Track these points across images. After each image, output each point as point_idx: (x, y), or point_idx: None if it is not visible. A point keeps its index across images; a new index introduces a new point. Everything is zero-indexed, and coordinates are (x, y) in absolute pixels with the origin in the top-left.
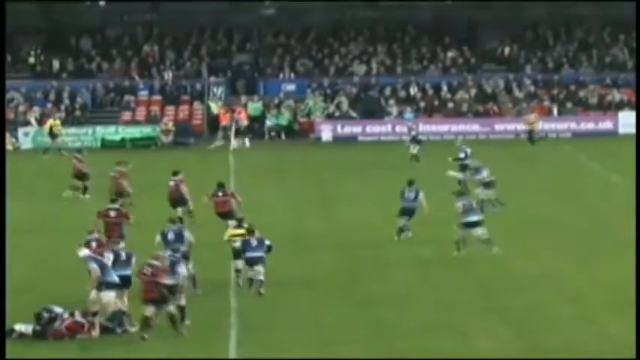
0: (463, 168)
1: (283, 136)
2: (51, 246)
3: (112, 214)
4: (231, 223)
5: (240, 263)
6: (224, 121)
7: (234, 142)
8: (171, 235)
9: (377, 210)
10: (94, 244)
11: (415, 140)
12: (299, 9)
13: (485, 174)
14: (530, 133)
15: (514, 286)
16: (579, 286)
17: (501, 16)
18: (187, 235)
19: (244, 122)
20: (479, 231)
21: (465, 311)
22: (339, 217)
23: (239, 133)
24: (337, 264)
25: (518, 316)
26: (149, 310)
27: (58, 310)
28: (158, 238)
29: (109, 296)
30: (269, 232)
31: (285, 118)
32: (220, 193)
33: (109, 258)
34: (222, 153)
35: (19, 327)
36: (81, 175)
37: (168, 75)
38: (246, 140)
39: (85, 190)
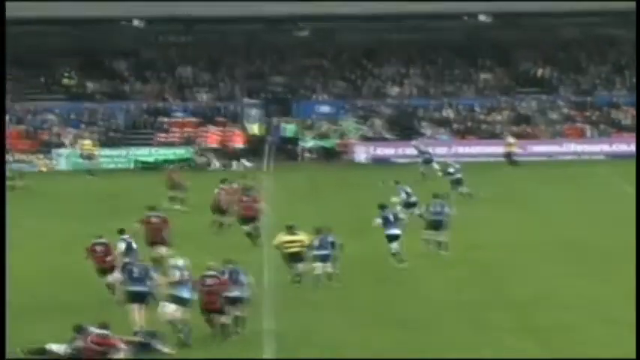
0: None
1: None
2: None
3: (154, 220)
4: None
5: (300, 266)
6: (212, 143)
7: (234, 164)
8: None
9: (412, 231)
10: (98, 248)
11: (426, 161)
12: (333, 30)
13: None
14: (509, 155)
15: (549, 307)
16: (614, 308)
17: (535, 37)
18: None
19: (239, 145)
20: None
21: (500, 332)
22: (374, 239)
23: (235, 155)
24: (372, 285)
25: (553, 337)
26: (221, 318)
27: (91, 329)
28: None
29: (169, 309)
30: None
31: (322, 140)
32: (246, 197)
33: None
34: (256, 174)
35: (53, 347)
36: (176, 186)
37: (203, 96)
38: (245, 161)
39: (181, 202)
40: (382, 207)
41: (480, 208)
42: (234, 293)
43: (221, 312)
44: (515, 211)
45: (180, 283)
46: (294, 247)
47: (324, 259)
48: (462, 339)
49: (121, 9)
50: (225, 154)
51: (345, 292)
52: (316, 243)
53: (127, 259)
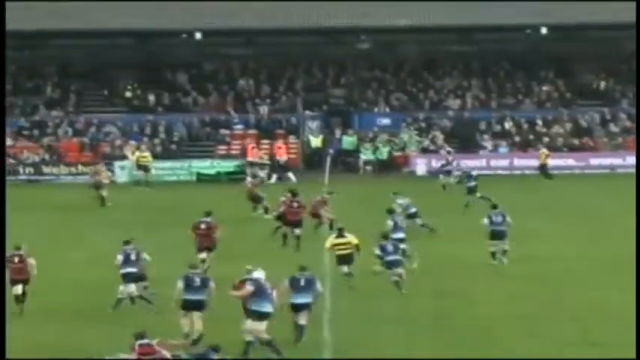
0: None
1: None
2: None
3: (202, 226)
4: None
5: (345, 268)
6: (251, 157)
7: (273, 177)
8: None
9: (469, 244)
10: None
11: (447, 172)
12: (394, 43)
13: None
14: (543, 167)
15: (608, 320)
16: None
17: (596, 49)
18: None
19: (283, 157)
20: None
21: (560, 345)
22: (431, 252)
23: (279, 167)
24: (428, 298)
25: (612, 351)
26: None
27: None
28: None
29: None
30: (362, 266)
31: (382, 152)
32: (295, 204)
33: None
34: (315, 187)
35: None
36: (255, 198)
37: (264, 109)
38: (290, 175)
39: (266, 210)
40: (390, 212)
41: (538, 220)
42: (304, 300)
43: None
44: (575, 224)
45: (260, 297)
46: (345, 249)
47: (396, 264)
48: (522, 351)
49: (182, 22)
50: (272, 167)
51: (401, 303)
52: (390, 248)
53: (129, 269)
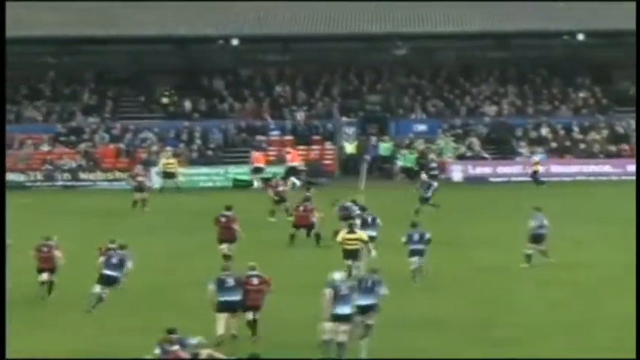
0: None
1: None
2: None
3: (223, 219)
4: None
5: (349, 262)
6: (258, 163)
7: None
8: None
9: (507, 251)
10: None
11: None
12: (430, 49)
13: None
14: (534, 175)
15: None
16: None
17: (633, 56)
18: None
19: (295, 163)
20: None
21: (602, 352)
22: (469, 259)
23: (294, 173)
24: (467, 305)
25: None
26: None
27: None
28: None
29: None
30: (399, 271)
31: (410, 159)
32: (301, 208)
33: None
34: (352, 193)
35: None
36: (280, 200)
37: (300, 115)
38: (296, 181)
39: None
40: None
41: (575, 226)
42: (369, 301)
43: (258, 309)
44: (613, 230)
45: (340, 299)
46: (353, 244)
47: (419, 253)
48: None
49: (219, 28)
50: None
51: (439, 310)
52: (416, 237)
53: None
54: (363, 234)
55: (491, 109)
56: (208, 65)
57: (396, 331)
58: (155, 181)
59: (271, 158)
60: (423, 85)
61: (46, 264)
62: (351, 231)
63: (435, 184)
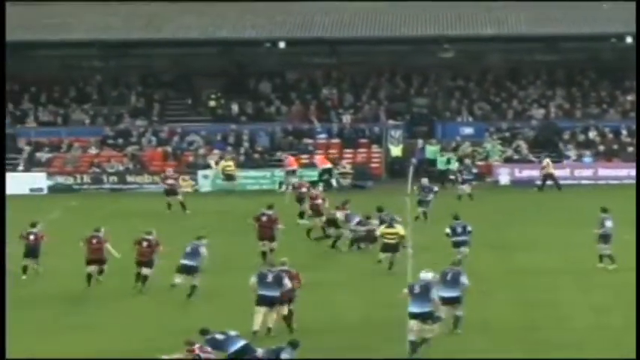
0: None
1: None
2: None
3: (264, 218)
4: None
5: (388, 255)
6: (291, 166)
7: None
8: None
9: (555, 255)
10: (144, 244)
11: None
12: (478, 52)
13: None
14: (546, 178)
15: None
16: None
17: None
18: None
19: (326, 166)
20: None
21: None
22: (516, 262)
23: (328, 175)
24: (514, 309)
25: None
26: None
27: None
28: None
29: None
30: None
31: (451, 162)
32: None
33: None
34: (398, 196)
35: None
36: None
37: (347, 118)
38: (333, 182)
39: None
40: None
41: (622, 230)
42: (454, 293)
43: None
44: None
45: (421, 298)
46: (392, 238)
47: (462, 244)
48: None
49: (266, 31)
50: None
51: (486, 312)
52: (459, 229)
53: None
54: (401, 228)
55: (538, 112)
56: (255, 68)
57: (443, 332)
58: (202, 183)
59: (304, 161)
60: (470, 87)
61: (94, 255)
62: (390, 225)
63: (436, 188)
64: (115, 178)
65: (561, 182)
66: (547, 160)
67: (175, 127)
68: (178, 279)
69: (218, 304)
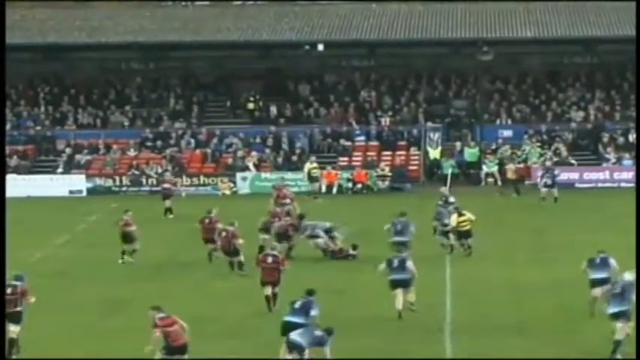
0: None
1: (499, 182)
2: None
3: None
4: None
5: (468, 241)
6: (329, 180)
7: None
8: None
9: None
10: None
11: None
12: (516, 54)
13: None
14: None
15: None
16: None
17: None
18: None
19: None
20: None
21: None
22: (555, 265)
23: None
24: (552, 311)
25: None
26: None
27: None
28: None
29: None
30: (484, 277)
31: (493, 164)
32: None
33: None
34: (437, 199)
35: None
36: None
37: (385, 120)
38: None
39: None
40: None
41: None
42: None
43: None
44: None
45: (620, 298)
46: (465, 225)
47: (400, 245)
48: None
49: (305, 33)
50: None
51: (522, 315)
52: (399, 227)
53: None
54: (471, 215)
55: (577, 115)
56: (294, 70)
57: (476, 335)
58: (240, 186)
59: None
60: (508, 90)
61: (208, 234)
62: (461, 214)
63: (452, 199)
64: (153, 181)
65: (600, 185)
66: (510, 166)
67: (214, 130)
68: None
69: (256, 306)
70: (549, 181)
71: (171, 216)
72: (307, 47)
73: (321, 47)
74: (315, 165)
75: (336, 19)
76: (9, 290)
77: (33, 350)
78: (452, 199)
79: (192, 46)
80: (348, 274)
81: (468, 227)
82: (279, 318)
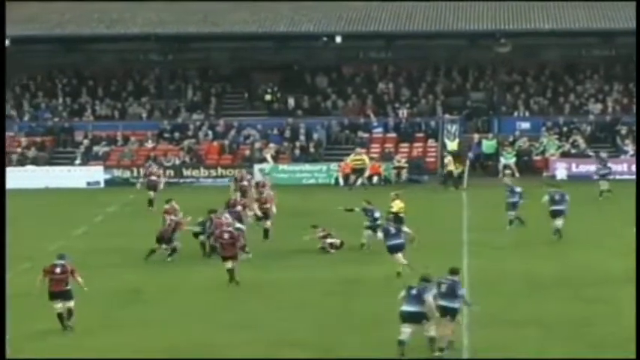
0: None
1: (517, 174)
2: (279, 278)
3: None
4: None
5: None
6: (347, 170)
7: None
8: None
9: (611, 250)
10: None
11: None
12: (534, 46)
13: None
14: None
15: None
16: None
17: None
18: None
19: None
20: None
21: None
22: (572, 257)
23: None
24: (568, 304)
25: None
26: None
27: None
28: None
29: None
30: (501, 270)
31: (511, 156)
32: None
33: None
34: (453, 191)
35: None
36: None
37: (403, 112)
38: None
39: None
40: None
41: None
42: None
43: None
44: None
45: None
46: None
47: (560, 213)
48: None
49: (322, 25)
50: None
51: (541, 308)
52: (557, 197)
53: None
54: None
55: (595, 107)
56: (311, 62)
57: (493, 327)
58: (260, 177)
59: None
60: (526, 82)
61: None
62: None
63: (519, 189)
64: (171, 172)
65: (619, 177)
66: (449, 158)
67: (232, 121)
68: None
69: (270, 298)
70: (604, 172)
71: (153, 209)
72: (325, 39)
73: (338, 39)
74: (357, 157)
75: (353, 11)
76: (59, 270)
77: (49, 340)
78: (518, 189)
79: (211, 37)
80: (362, 266)
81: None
82: (292, 310)
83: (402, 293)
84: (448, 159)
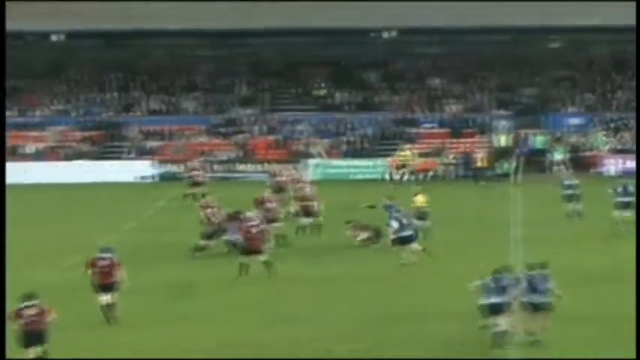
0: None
1: (571, 169)
2: (324, 273)
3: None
4: None
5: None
6: (396, 167)
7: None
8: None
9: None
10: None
11: None
12: (585, 42)
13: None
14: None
15: None
16: None
17: None
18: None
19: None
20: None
21: None
22: (623, 252)
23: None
24: (621, 299)
25: None
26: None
27: None
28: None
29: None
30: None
31: (561, 151)
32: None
33: None
34: (503, 186)
35: None
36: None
37: (452, 108)
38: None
39: None
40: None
41: None
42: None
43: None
44: None
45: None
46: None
47: (626, 205)
48: None
49: (371, 20)
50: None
51: (594, 303)
52: (620, 190)
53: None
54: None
55: None
56: (362, 58)
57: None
58: (311, 172)
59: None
60: (576, 78)
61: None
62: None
63: (574, 182)
64: (223, 167)
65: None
66: (409, 152)
67: (284, 116)
68: None
69: (316, 292)
70: None
71: (196, 203)
72: (375, 34)
73: (387, 34)
74: (403, 153)
75: (404, 7)
76: (106, 262)
77: (98, 334)
78: (573, 182)
79: (262, 32)
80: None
81: (571, 192)
82: (334, 305)
83: (476, 284)
84: (479, 155)
